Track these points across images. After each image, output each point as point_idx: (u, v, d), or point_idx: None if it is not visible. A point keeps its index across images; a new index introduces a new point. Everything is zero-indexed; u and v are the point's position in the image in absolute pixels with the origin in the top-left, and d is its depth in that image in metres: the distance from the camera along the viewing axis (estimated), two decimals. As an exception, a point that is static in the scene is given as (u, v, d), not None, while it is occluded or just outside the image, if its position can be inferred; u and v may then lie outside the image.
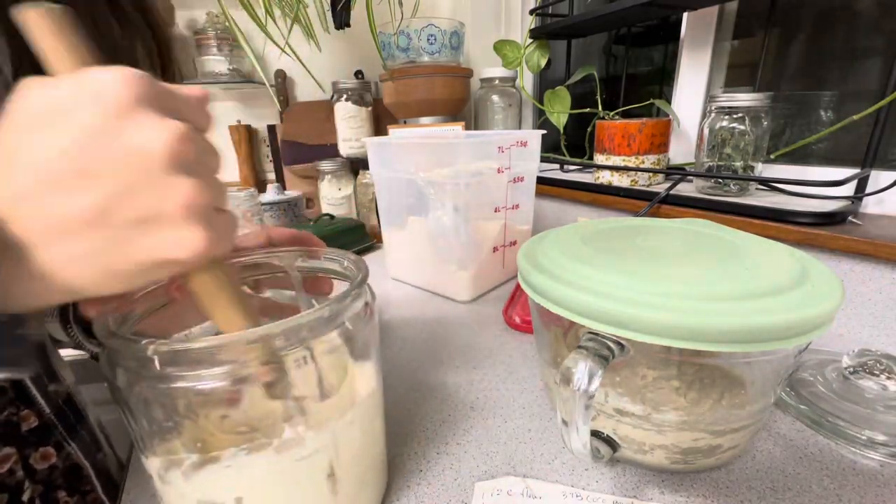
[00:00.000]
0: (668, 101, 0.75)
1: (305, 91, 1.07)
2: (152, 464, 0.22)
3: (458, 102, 0.93)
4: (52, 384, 0.34)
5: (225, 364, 0.20)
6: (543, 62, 0.88)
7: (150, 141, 0.16)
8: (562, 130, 0.88)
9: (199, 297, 0.21)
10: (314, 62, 0.90)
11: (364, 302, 0.26)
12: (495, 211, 0.60)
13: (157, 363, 0.19)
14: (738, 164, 0.58)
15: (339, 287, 0.26)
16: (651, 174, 0.69)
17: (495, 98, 0.94)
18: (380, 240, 0.82)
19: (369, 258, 0.80)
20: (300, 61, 0.75)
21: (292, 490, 0.23)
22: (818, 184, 0.51)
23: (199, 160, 0.18)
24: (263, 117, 1.08)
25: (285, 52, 0.72)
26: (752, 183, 0.59)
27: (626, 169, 0.69)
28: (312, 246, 0.32)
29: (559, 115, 0.85)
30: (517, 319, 0.53)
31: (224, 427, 0.22)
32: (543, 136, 0.63)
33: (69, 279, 0.17)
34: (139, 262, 0.17)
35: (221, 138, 1.06)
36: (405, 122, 0.96)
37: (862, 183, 0.51)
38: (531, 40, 0.87)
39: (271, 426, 0.22)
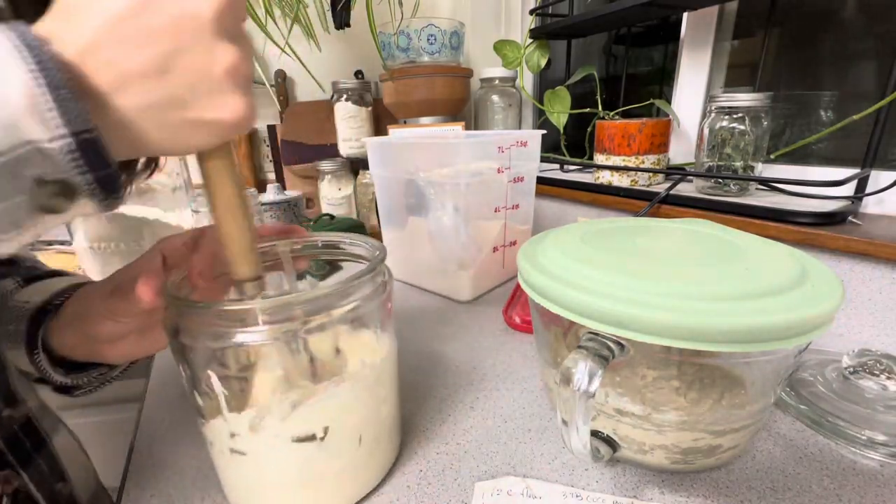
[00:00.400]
0: (668, 101, 0.75)
1: (305, 91, 1.07)
2: (242, 418, 0.26)
3: (458, 102, 0.93)
4: (7, 409, 0.31)
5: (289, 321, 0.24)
6: (543, 62, 0.88)
7: (201, 5, 0.19)
8: (562, 130, 0.88)
9: (210, 181, 0.24)
10: (314, 62, 0.90)
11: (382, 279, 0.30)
12: (495, 211, 0.60)
13: (259, 317, 0.24)
14: (738, 164, 0.58)
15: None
16: (651, 174, 0.69)
17: (495, 98, 0.94)
18: (380, 240, 0.82)
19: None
20: (300, 61, 0.75)
21: (362, 411, 0.29)
22: (818, 184, 0.51)
23: (240, 34, 0.21)
24: (263, 117, 1.08)
25: (285, 52, 0.72)
26: (752, 183, 0.59)
27: (626, 169, 0.69)
28: (299, 235, 0.35)
29: (559, 115, 0.85)
30: (517, 319, 0.53)
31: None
32: (543, 136, 0.63)
33: (134, 131, 0.19)
34: (189, 120, 0.20)
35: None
36: (405, 122, 0.96)
37: (862, 183, 0.51)
38: (531, 40, 0.87)
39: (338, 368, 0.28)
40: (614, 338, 0.25)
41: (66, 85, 0.16)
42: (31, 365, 0.32)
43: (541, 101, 0.89)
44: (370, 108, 0.97)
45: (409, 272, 0.68)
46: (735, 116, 0.57)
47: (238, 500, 0.30)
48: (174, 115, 0.20)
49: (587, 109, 0.82)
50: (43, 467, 0.33)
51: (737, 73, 0.71)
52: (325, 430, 0.27)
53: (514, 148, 0.58)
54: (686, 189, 0.64)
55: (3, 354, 0.32)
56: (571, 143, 0.91)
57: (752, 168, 0.58)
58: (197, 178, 0.63)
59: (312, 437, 0.27)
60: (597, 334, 0.25)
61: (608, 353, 0.24)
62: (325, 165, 0.93)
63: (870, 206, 0.53)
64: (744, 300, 0.24)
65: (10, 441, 0.31)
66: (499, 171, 0.57)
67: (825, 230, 0.47)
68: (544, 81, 1.04)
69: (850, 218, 0.49)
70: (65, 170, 0.17)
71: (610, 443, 0.30)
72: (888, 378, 0.36)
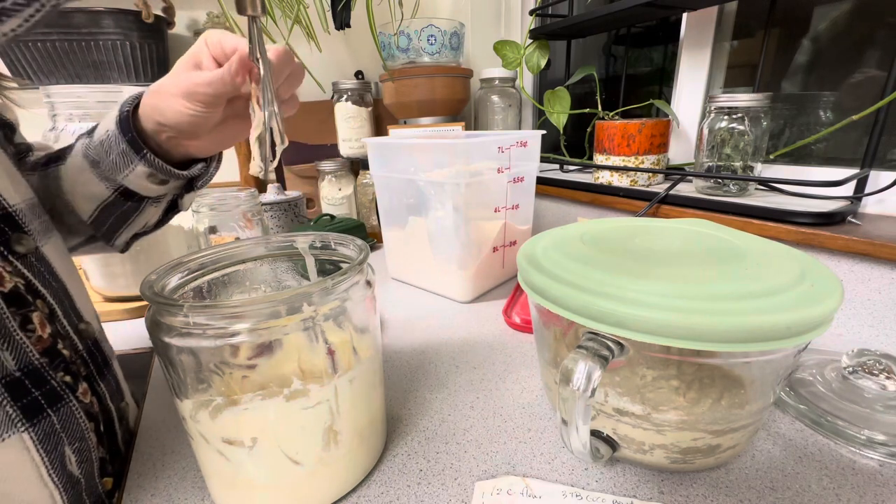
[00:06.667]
0: (668, 102, 0.75)
1: (306, 91, 1.07)
2: (185, 405, 0.26)
3: (458, 103, 0.93)
4: (81, 322, 0.34)
5: (247, 320, 0.24)
6: (543, 62, 0.88)
7: None
8: (562, 130, 0.88)
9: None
10: (314, 63, 0.91)
11: (365, 279, 0.30)
12: (495, 211, 0.60)
13: (190, 318, 0.23)
14: (738, 164, 0.58)
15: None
16: (651, 174, 0.69)
17: (495, 98, 0.95)
18: (380, 240, 0.82)
19: (370, 258, 0.80)
20: (300, 62, 0.75)
21: (298, 434, 0.27)
22: (817, 184, 0.51)
23: None
24: (263, 117, 1.08)
25: (285, 53, 0.72)
26: (751, 183, 0.59)
27: (626, 169, 0.69)
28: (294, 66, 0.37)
29: (559, 115, 0.85)
30: (517, 319, 0.53)
31: (244, 386, 0.26)
32: (543, 136, 0.63)
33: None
34: None
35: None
36: (405, 123, 0.96)
37: (861, 183, 0.51)
38: (531, 41, 0.87)
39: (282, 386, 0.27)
40: (614, 338, 0.25)
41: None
42: (149, 167, 0.35)
43: (541, 102, 0.90)
44: (370, 109, 0.97)
45: (409, 272, 0.68)
46: (734, 117, 0.57)
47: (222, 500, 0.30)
48: None
49: (587, 110, 0.82)
50: (112, 382, 0.36)
51: (736, 74, 0.72)
52: (254, 440, 0.26)
53: (514, 148, 0.58)
54: (685, 189, 0.64)
55: (63, 281, 0.33)
56: (571, 143, 0.91)
57: (752, 168, 0.59)
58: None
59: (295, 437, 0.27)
60: (597, 334, 0.25)
61: (608, 353, 0.25)
62: (326, 165, 0.93)
63: (869, 206, 0.53)
64: (743, 300, 0.24)
65: (88, 352, 0.33)
66: (499, 171, 0.57)
67: (824, 230, 0.47)
68: (544, 81, 1.04)
69: (849, 218, 0.49)
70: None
71: (610, 442, 0.30)
72: (887, 378, 0.36)
